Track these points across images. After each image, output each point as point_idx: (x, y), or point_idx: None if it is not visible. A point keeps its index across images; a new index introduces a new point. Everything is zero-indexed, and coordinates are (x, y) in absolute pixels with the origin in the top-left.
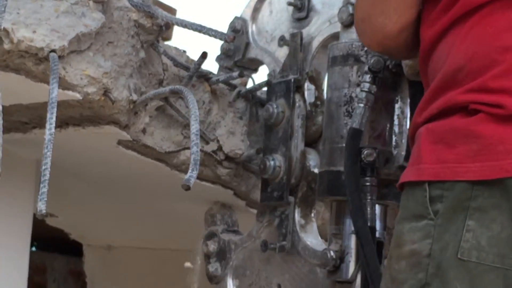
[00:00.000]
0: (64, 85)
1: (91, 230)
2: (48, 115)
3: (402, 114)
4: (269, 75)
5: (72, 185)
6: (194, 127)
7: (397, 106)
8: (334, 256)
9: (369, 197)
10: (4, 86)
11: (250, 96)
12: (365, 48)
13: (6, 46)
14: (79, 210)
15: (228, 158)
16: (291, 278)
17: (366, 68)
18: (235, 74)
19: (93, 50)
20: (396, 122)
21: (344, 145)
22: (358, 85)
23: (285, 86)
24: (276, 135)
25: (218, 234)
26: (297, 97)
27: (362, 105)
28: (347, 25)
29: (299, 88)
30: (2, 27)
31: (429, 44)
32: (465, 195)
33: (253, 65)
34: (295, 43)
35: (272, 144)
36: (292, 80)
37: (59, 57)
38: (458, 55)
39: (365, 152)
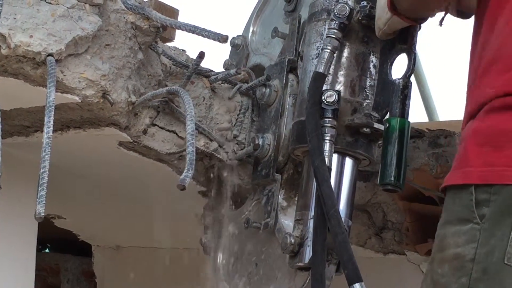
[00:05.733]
0: (62, 88)
1: (99, 231)
2: (46, 119)
3: (374, 68)
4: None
5: (78, 187)
6: (190, 127)
7: (369, 59)
8: (292, 242)
9: (327, 138)
10: (3, 91)
11: (251, 93)
12: (339, 5)
13: (4, 51)
14: (86, 211)
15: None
16: (265, 258)
17: (332, 16)
18: (233, 71)
19: (90, 53)
20: (367, 75)
21: None
22: None
23: (280, 67)
24: (269, 114)
25: (217, 206)
26: (291, 77)
27: (327, 50)
28: None
29: (293, 69)
30: None
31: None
32: None
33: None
34: (294, 26)
35: (265, 124)
36: (287, 60)
37: (57, 60)
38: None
39: (326, 93)
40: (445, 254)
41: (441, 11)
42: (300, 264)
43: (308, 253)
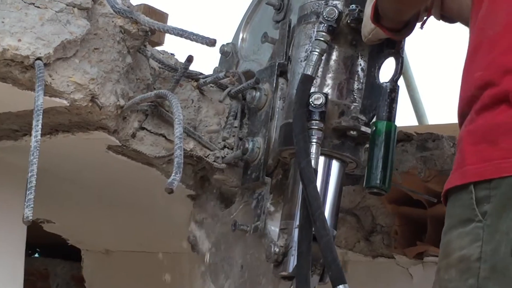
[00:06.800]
0: (51, 92)
1: (89, 235)
2: (34, 123)
3: (362, 72)
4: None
5: (67, 191)
6: (178, 130)
7: (357, 63)
8: (277, 251)
9: (314, 140)
10: None
11: (240, 96)
12: (328, 8)
13: None
14: (76, 215)
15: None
16: (251, 262)
17: (320, 19)
18: (222, 74)
19: (79, 57)
20: (355, 78)
21: None
22: None
23: (270, 70)
24: (259, 118)
25: (206, 204)
26: (281, 80)
27: (316, 53)
28: None
29: (283, 73)
30: None
31: None
32: None
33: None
34: (284, 30)
35: (255, 128)
36: (277, 64)
37: (45, 64)
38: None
39: (314, 96)
40: (451, 259)
41: (424, 15)
42: (283, 273)
43: (292, 262)
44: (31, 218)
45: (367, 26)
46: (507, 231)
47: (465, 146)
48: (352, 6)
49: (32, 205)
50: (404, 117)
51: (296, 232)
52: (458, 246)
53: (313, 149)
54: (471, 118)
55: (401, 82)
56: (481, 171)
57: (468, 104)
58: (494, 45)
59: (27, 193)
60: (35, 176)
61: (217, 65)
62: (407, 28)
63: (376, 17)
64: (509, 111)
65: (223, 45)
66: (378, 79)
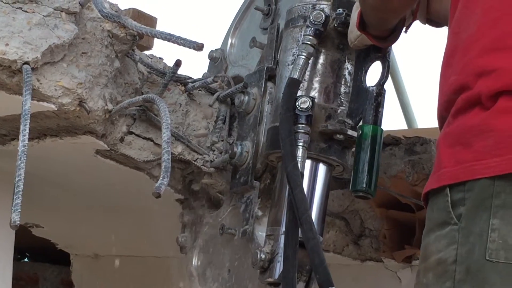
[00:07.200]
0: (38, 96)
1: (78, 240)
2: (22, 127)
3: (349, 75)
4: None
5: (55, 196)
6: (166, 135)
7: (344, 66)
8: (263, 258)
9: (300, 144)
10: None
11: (228, 100)
12: (315, 12)
13: None
14: (64, 219)
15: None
16: (238, 266)
17: (307, 22)
18: (210, 79)
19: (66, 61)
20: (342, 82)
21: None
22: None
23: (258, 75)
24: (247, 122)
25: (195, 207)
26: (269, 84)
27: (303, 57)
28: None
29: (272, 77)
30: None
31: None
32: (486, 193)
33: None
34: (272, 35)
35: (244, 132)
36: (265, 68)
37: (33, 69)
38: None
39: (300, 99)
40: (428, 263)
41: (410, 19)
42: (270, 279)
43: (278, 269)
44: (18, 222)
45: (353, 32)
46: (481, 233)
47: (442, 149)
48: (339, 10)
49: (19, 210)
50: (394, 121)
51: (282, 239)
52: (435, 249)
53: (300, 152)
54: (448, 122)
55: (390, 86)
56: (455, 174)
57: (445, 109)
58: (468, 49)
59: (15, 197)
60: (23, 181)
61: (205, 70)
62: (393, 35)
63: (362, 25)
64: (482, 113)
65: (211, 51)
66: (365, 83)
